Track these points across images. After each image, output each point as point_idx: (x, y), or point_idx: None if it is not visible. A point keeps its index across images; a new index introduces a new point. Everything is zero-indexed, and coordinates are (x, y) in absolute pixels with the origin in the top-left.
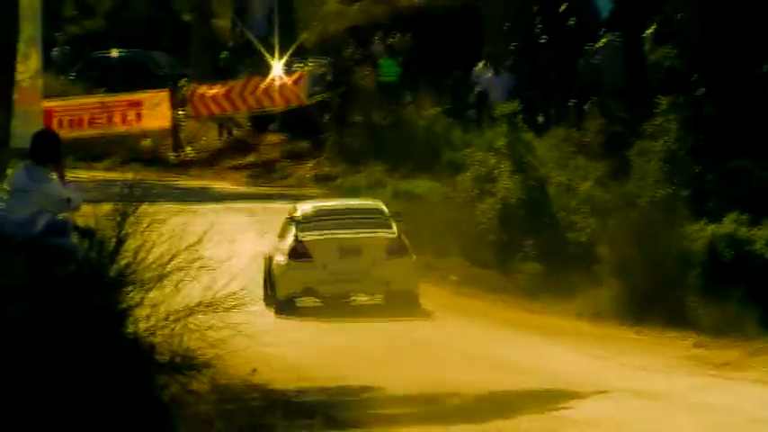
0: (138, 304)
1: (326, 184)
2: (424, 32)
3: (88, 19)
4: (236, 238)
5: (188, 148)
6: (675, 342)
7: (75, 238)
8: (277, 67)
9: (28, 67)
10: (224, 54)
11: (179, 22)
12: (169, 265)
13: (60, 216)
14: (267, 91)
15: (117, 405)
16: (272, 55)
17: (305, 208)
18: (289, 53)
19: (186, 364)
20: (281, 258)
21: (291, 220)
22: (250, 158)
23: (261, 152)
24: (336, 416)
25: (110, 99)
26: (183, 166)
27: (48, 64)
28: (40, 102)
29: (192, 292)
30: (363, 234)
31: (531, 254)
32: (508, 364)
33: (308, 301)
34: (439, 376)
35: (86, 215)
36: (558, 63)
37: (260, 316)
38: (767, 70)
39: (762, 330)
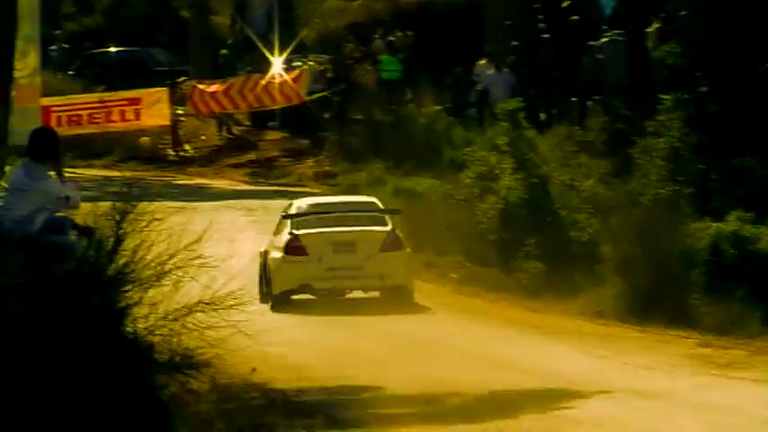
0: (137, 303)
1: (327, 182)
2: (424, 29)
3: (87, 16)
4: (236, 236)
5: (187, 146)
6: (678, 341)
7: (73, 236)
8: (277, 64)
9: (26, 64)
10: (223, 51)
11: (178, 19)
12: (168, 264)
13: (58, 214)
14: (267, 88)
15: (116, 405)
16: (272, 52)
17: (300, 204)
18: (289, 50)
19: (186, 364)
20: (276, 254)
21: (286, 216)
22: (250, 156)
23: (261, 150)
24: (337, 415)
25: (108, 96)
26: (183, 164)
27: (46, 61)
28: (38, 99)
29: (192, 290)
30: (358, 229)
31: (533, 252)
32: (509, 364)
33: (304, 299)
34: (439, 375)
35: (85, 213)
36: (559, 61)
37: (259, 314)
38: None
39: (765, 329)
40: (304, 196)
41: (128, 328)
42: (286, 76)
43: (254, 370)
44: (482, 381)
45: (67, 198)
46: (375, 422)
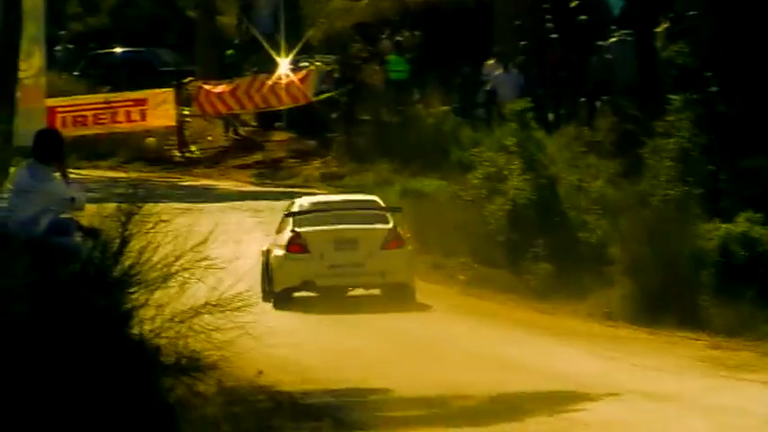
0: (143, 305)
1: (334, 183)
2: (432, 29)
3: (92, 16)
4: (242, 238)
5: (193, 147)
6: (688, 343)
7: (78, 238)
8: (283, 64)
9: (31, 65)
10: (229, 51)
11: (184, 19)
12: (174, 266)
13: (64, 215)
14: (273, 89)
15: (122, 408)
16: (279, 52)
17: (302, 202)
18: (295, 50)
19: (192, 366)
20: (278, 251)
21: (289, 214)
22: (256, 157)
23: (267, 151)
24: (344, 418)
25: (114, 97)
26: (189, 165)
27: (51, 62)
28: (43, 100)
29: (198, 292)
30: (359, 227)
31: (542, 254)
32: (518, 365)
33: (308, 299)
34: (447, 377)
35: (90, 214)
36: (567, 61)
37: (264, 315)
38: None
39: None
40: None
41: (134, 331)
42: (293, 77)
43: (260, 372)
44: (490, 383)
45: (72, 199)
46: (382, 425)
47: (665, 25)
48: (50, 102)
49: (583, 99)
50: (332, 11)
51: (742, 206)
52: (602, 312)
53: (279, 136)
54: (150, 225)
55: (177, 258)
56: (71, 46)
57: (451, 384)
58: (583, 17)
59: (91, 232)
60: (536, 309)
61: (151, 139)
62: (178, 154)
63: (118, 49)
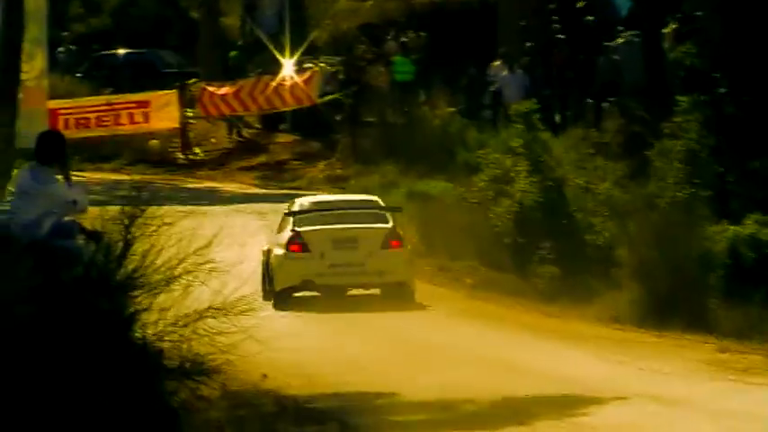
0: (147, 309)
1: (339, 185)
2: (438, 30)
3: (94, 17)
4: (246, 241)
5: (197, 149)
6: (696, 346)
7: (81, 241)
8: (288, 65)
9: (33, 66)
10: (233, 53)
11: (187, 20)
12: (178, 269)
13: (66, 218)
14: (278, 90)
15: (125, 412)
16: (283, 53)
17: (302, 202)
18: (300, 52)
19: (196, 370)
20: (278, 251)
21: (289, 213)
22: (260, 159)
23: (271, 153)
24: (349, 422)
25: (117, 99)
26: (192, 168)
27: (53, 64)
28: (45, 102)
29: (202, 296)
30: (359, 226)
31: (549, 257)
32: (525, 369)
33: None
34: (453, 381)
35: (93, 217)
36: (574, 62)
37: (267, 318)
38: None
39: None
40: None
41: (137, 334)
42: (297, 78)
43: (264, 376)
44: (497, 386)
45: (75, 202)
46: (388, 429)
47: (673, 26)
48: (53, 104)
49: (590, 100)
50: (337, 11)
51: (750, 208)
52: (609, 315)
53: (283, 138)
54: (153, 228)
55: (181, 261)
56: (73, 47)
57: (458, 388)
58: (590, 18)
59: (93, 235)
60: (543, 312)
61: (154, 141)
62: (181, 156)
63: (120, 51)
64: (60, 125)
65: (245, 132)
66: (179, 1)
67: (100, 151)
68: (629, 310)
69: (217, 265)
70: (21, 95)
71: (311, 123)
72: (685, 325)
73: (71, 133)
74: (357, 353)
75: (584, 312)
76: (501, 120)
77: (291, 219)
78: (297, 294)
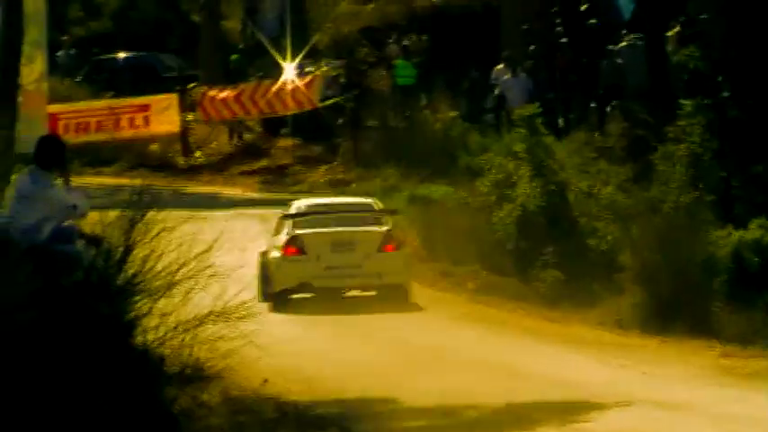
0: (147, 314)
1: (340, 189)
2: (440, 33)
3: (95, 20)
4: (247, 245)
5: (198, 153)
6: (699, 351)
7: (81, 246)
8: (289, 69)
9: (33, 70)
10: (234, 56)
11: (188, 23)
12: (178, 274)
13: (66, 223)
14: (279, 94)
15: (126, 418)
16: (284, 57)
17: (299, 204)
18: (301, 55)
19: (196, 376)
20: (275, 253)
21: (286, 216)
22: (261, 163)
23: (273, 157)
24: (350, 428)
25: (117, 103)
26: (193, 172)
27: (53, 67)
28: (44, 106)
29: (202, 301)
30: (356, 229)
31: (551, 261)
32: (527, 374)
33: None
34: (455, 386)
35: (93, 222)
36: (577, 65)
37: (268, 324)
38: None
39: None
40: None
41: (137, 340)
42: (298, 82)
43: (265, 381)
44: (499, 391)
45: (75, 207)
46: None
47: (677, 29)
48: (52, 108)
49: (593, 104)
50: (338, 15)
51: (754, 212)
52: (612, 320)
53: (284, 142)
54: (154, 233)
55: (181, 266)
56: (73, 51)
57: (459, 393)
58: (593, 21)
59: (93, 240)
60: (545, 317)
61: (155, 145)
62: (182, 160)
63: (121, 54)
64: (60, 130)
65: (246, 136)
66: (180, 4)
67: (100, 155)
68: (632, 315)
69: (217, 269)
70: (20, 99)
71: (312, 127)
72: (688, 329)
73: (71, 137)
74: (357, 357)
75: (587, 317)
76: (503, 124)
77: (288, 222)
78: (295, 297)
